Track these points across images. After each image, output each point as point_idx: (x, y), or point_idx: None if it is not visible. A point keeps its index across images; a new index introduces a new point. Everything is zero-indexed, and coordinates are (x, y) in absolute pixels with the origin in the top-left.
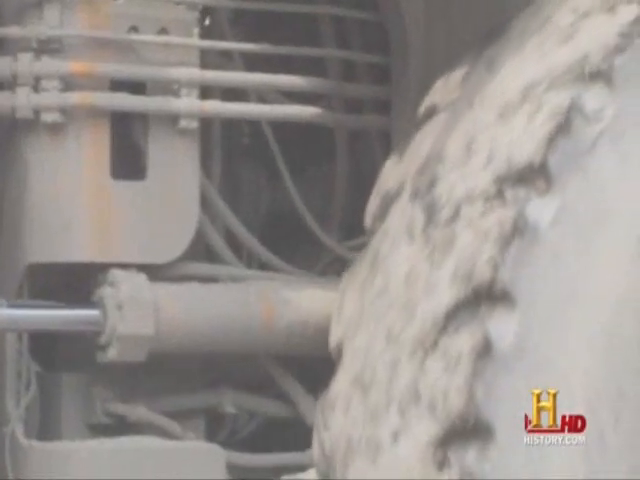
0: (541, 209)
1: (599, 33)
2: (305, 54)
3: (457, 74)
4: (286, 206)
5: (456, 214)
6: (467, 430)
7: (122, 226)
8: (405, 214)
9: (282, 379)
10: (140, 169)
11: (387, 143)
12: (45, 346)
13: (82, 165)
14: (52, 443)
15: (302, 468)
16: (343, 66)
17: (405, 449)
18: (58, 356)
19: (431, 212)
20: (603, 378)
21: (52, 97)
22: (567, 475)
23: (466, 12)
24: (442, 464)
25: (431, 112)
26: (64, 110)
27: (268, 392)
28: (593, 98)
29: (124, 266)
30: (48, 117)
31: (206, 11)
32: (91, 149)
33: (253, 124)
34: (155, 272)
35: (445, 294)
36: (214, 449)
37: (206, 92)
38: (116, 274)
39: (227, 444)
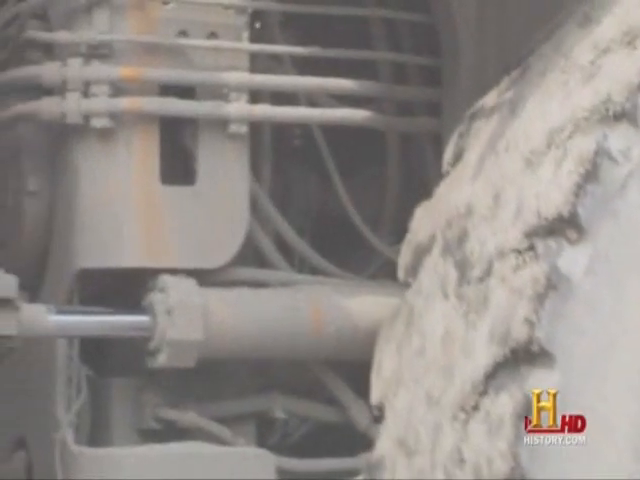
0: (574, 260)
1: (621, 71)
2: (355, 57)
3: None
4: (337, 210)
5: (488, 270)
6: None
7: (172, 231)
8: (438, 270)
9: (332, 384)
10: (189, 174)
11: (438, 145)
12: (95, 351)
13: (132, 170)
14: (102, 449)
15: (352, 473)
16: (394, 68)
17: None
18: (108, 361)
19: (463, 268)
20: None
21: (102, 102)
22: None
23: (519, 12)
24: None
25: (458, 157)
26: (114, 115)
27: (318, 397)
28: (619, 139)
29: (174, 271)
30: (98, 122)
31: (256, 15)
32: (141, 154)
33: (303, 127)
34: (205, 277)
35: (483, 356)
36: (264, 454)
37: (256, 96)
38: (166, 280)
39: (277, 449)
